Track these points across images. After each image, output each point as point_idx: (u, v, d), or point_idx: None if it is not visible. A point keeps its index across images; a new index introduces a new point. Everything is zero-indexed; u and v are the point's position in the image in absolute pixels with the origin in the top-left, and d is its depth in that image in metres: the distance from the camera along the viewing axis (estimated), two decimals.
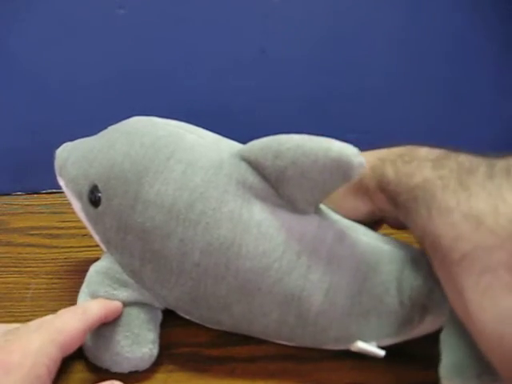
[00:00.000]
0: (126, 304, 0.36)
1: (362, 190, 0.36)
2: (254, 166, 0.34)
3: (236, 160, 0.34)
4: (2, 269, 0.46)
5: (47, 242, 0.50)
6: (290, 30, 0.55)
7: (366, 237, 0.36)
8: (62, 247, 0.49)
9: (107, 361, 0.35)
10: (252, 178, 0.34)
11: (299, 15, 0.54)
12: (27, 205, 0.56)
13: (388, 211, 0.35)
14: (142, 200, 0.34)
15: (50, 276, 0.46)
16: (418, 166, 0.33)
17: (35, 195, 0.57)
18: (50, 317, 0.33)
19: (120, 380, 0.34)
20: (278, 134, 0.34)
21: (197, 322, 0.38)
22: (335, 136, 0.34)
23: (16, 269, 0.46)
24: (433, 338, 0.38)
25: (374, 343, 0.35)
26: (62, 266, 0.47)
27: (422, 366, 0.36)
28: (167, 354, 0.38)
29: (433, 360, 0.36)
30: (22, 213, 0.54)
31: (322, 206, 0.36)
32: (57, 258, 0.48)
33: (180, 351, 0.38)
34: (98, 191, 0.36)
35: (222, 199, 0.33)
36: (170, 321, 0.40)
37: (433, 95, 0.59)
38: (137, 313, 0.36)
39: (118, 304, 0.35)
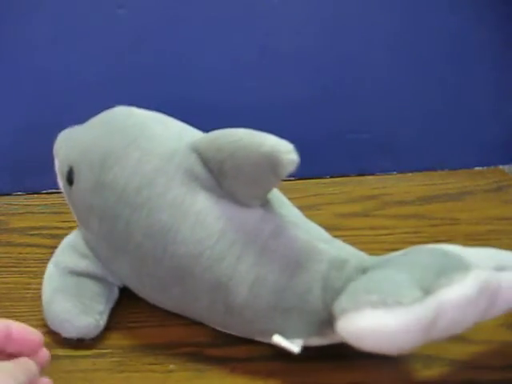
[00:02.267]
0: (83, 275, 0.39)
1: None
2: (201, 157, 0.35)
3: (189, 150, 0.36)
4: (2, 269, 0.47)
5: (47, 242, 0.50)
6: (289, 30, 0.55)
7: (306, 235, 0.36)
8: None
9: (57, 325, 0.38)
10: (199, 168, 0.35)
11: (299, 15, 0.54)
12: (27, 205, 0.56)
13: None
14: (101, 182, 0.37)
15: None
16: None
17: (35, 195, 0.57)
18: None
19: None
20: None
21: (146, 300, 0.39)
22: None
23: (16, 269, 0.46)
24: None
25: (301, 341, 0.34)
26: None
27: (421, 366, 0.36)
28: (167, 354, 0.38)
29: (433, 360, 0.37)
30: (21, 213, 0.55)
31: (275, 200, 0.37)
32: None
33: (180, 351, 0.38)
34: (73, 173, 0.40)
35: (168, 186, 0.35)
36: (170, 320, 0.40)
37: (433, 95, 0.59)
38: (91, 285, 0.39)
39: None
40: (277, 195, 0.38)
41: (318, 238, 0.36)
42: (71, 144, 0.41)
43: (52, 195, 0.56)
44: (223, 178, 0.34)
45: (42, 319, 0.41)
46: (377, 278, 0.30)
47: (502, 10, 0.55)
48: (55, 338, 0.39)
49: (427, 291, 0.28)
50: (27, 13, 0.51)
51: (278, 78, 0.56)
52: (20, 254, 0.48)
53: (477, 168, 0.62)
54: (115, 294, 0.41)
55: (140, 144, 0.37)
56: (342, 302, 0.29)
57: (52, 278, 0.39)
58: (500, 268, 0.31)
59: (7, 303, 0.43)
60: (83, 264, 0.39)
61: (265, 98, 0.57)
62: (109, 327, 0.40)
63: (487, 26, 0.56)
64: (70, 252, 0.40)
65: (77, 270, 0.39)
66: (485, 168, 0.62)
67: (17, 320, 0.40)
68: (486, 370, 0.36)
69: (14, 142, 0.56)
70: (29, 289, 0.44)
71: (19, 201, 0.56)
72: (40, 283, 0.45)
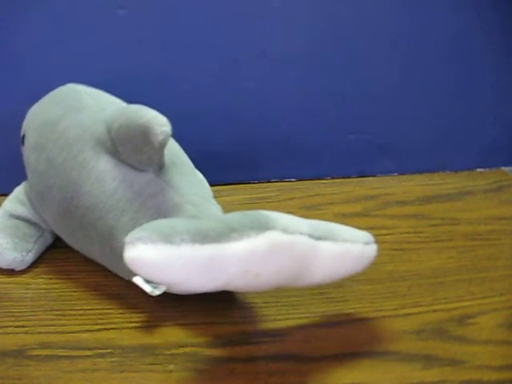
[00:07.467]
0: (19, 219, 0.47)
1: None
2: (107, 127, 0.41)
3: (103, 121, 0.42)
4: (2, 269, 0.47)
5: None
6: (289, 31, 0.55)
7: (179, 198, 0.40)
8: (62, 247, 0.48)
9: None
10: (105, 136, 0.41)
11: (299, 16, 0.54)
12: None
13: None
14: (38, 144, 0.45)
15: (49, 276, 0.46)
16: None
17: None
18: None
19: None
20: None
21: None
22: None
23: None
24: (431, 338, 0.38)
25: (164, 287, 0.38)
26: (62, 265, 0.47)
27: (421, 366, 0.36)
28: (167, 354, 0.38)
29: (433, 360, 0.37)
30: None
31: (172, 170, 0.42)
32: (57, 258, 0.48)
33: (180, 351, 0.38)
34: (24, 136, 0.48)
35: (81, 150, 0.42)
36: (170, 320, 0.40)
37: (434, 96, 0.59)
38: (23, 228, 0.47)
39: None
40: (180, 167, 0.43)
41: (189, 201, 0.41)
42: (29, 115, 0.50)
43: None
44: (118, 145, 0.40)
45: (43, 319, 0.41)
46: (163, 221, 0.32)
47: (504, 10, 0.55)
48: (55, 339, 0.39)
49: (211, 240, 0.31)
50: (27, 13, 0.51)
51: (278, 79, 0.56)
52: None
53: (478, 170, 0.62)
54: (47, 238, 0.48)
55: (70, 115, 0.44)
56: (127, 237, 0.31)
57: None
58: (318, 237, 0.35)
59: (7, 303, 0.43)
60: (20, 210, 0.47)
61: (265, 98, 0.57)
62: (109, 327, 0.40)
63: (489, 27, 0.56)
64: (13, 199, 0.49)
65: (15, 214, 0.47)
66: (486, 169, 0.62)
67: (16, 320, 0.41)
68: (486, 370, 0.36)
69: (14, 142, 0.56)
70: (29, 289, 0.44)
71: None
72: (40, 283, 0.45)
